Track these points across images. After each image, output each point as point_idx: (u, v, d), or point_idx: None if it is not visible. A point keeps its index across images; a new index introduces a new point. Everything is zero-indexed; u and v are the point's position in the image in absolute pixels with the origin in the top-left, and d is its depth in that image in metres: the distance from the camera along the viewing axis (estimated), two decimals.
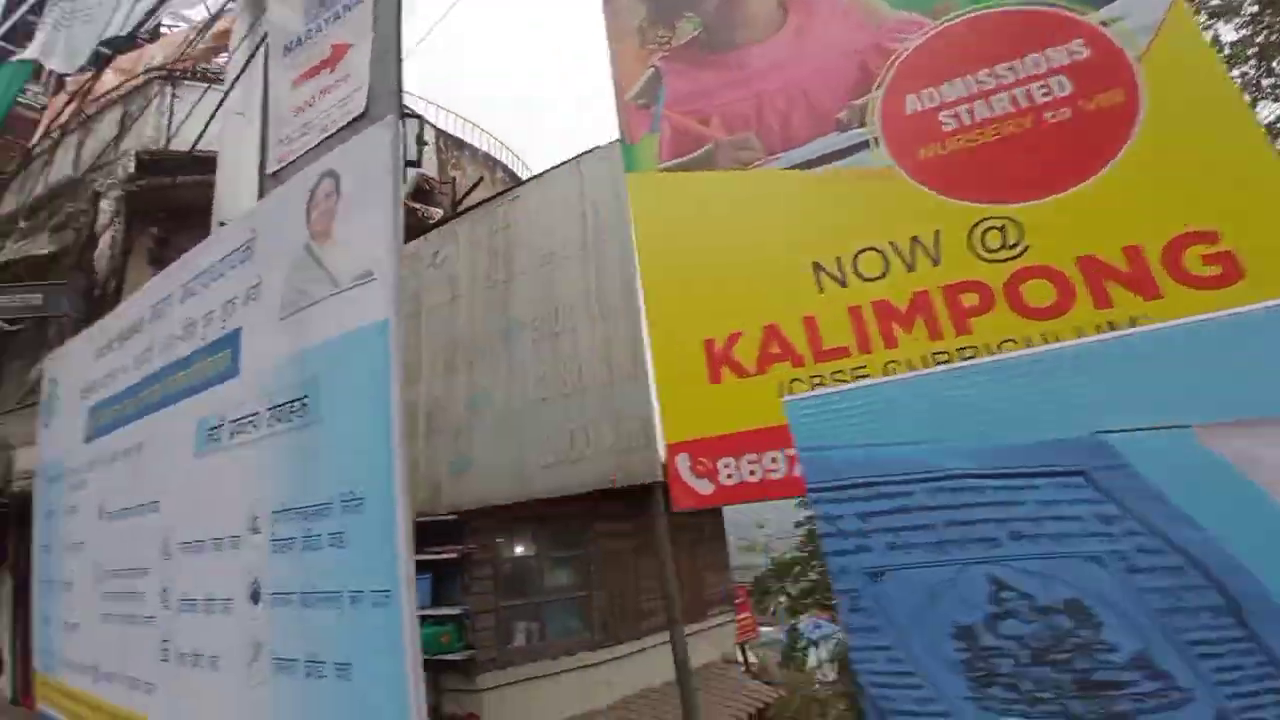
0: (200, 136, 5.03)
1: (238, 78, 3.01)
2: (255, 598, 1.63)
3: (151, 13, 6.65)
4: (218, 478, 1.83)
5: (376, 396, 1.42)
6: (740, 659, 9.80)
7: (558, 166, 3.48)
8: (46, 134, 8.35)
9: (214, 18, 5.62)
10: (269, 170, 2.03)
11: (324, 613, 1.45)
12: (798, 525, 15.41)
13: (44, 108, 9.21)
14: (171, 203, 6.92)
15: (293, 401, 1.63)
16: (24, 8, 6.88)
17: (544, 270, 3.26)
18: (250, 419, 1.75)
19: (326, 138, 1.89)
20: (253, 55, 3.00)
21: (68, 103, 7.83)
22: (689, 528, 8.38)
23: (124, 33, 7.55)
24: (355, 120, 1.82)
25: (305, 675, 1.47)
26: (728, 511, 9.46)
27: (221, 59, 7.42)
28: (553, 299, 3.19)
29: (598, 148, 3.27)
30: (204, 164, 6.67)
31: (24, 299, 3.58)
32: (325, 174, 1.72)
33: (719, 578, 9.09)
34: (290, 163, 1.96)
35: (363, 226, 1.58)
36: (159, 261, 6.88)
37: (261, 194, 2.15)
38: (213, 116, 3.55)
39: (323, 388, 1.56)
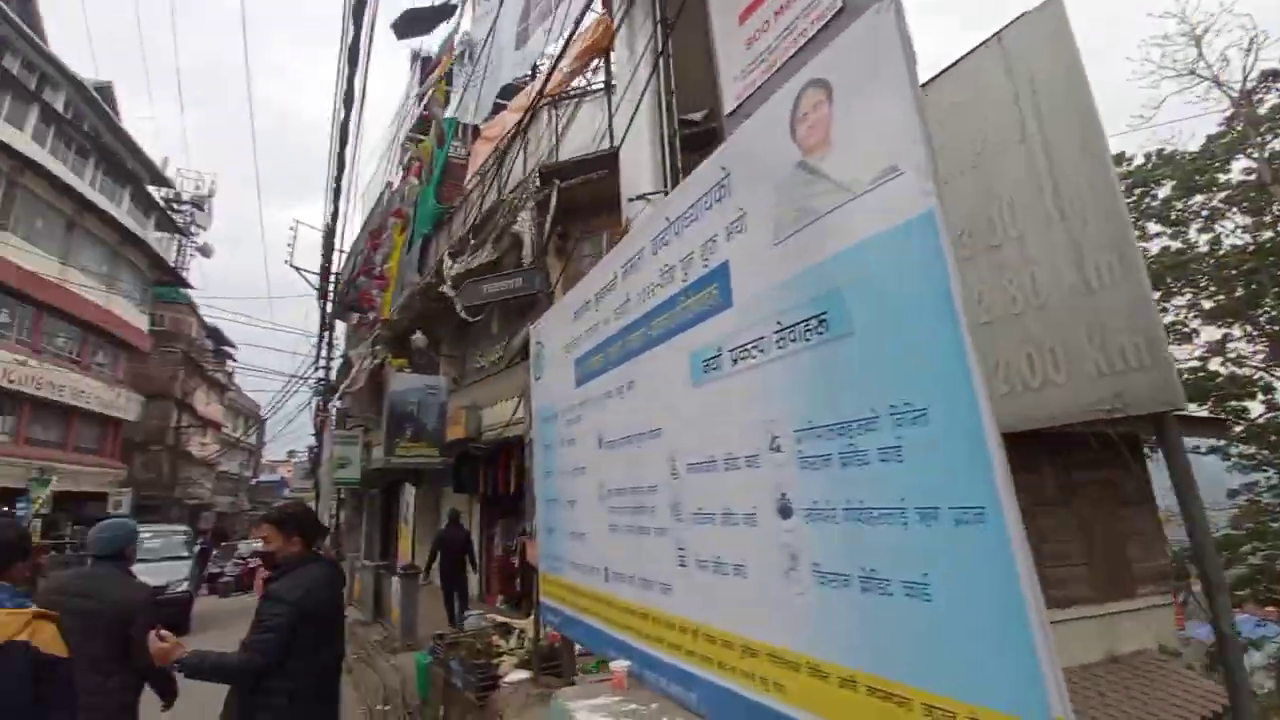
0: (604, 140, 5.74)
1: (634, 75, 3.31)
2: (785, 513, 1.67)
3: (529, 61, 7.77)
4: (723, 403, 1.95)
5: (930, 297, 1.29)
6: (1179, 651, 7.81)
7: (968, 54, 2.95)
8: (476, 173, 10.74)
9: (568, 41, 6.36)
10: (726, 111, 2.10)
11: (880, 529, 1.39)
12: (1232, 494, 11.96)
13: (469, 154, 11.86)
14: (564, 203, 8.26)
15: (807, 320, 1.61)
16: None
17: (967, 178, 2.81)
18: (754, 344, 1.81)
19: (797, 51, 1.84)
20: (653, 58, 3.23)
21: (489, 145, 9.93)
22: (1106, 483, 6.89)
23: (513, 80, 9.12)
24: (833, 19, 1.73)
25: (862, 590, 1.44)
26: None
27: (585, 76, 8.44)
28: (984, 208, 2.73)
29: (1026, 14, 2.69)
30: (587, 165, 7.86)
31: (509, 284, 4.61)
32: (810, 84, 1.65)
33: (1151, 549, 7.31)
34: (750, 95, 1.98)
35: (873, 123, 1.45)
36: (561, 252, 8.31)
37: (709, 144, 2.26)
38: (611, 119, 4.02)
39: (848, 300, 1.49)
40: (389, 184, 13.98)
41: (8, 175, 21.32)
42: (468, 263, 9.40)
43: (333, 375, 16.12)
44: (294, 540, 2.82)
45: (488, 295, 4.45)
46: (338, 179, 10.09)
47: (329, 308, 15.59)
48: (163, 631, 2.61)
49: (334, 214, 11.31)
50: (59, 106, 24.24)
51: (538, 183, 8.18)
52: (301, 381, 17.24)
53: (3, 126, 21.07)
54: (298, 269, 16.46)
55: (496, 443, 9.47)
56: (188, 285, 33.38)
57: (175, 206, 34.46)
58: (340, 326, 19.60)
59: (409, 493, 10.46)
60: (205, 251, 41.76)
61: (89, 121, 26.30)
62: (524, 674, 4.43)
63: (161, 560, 12.67)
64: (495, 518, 11.68)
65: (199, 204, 38.16)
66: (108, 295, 25.95)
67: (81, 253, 24.74)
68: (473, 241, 9.61)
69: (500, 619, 6.91)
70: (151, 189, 30.51)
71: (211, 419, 37.59)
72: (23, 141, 21.73)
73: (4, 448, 21.33)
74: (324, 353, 15.50)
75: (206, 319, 35.66)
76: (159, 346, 30.97)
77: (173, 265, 31.62)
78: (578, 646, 4.76)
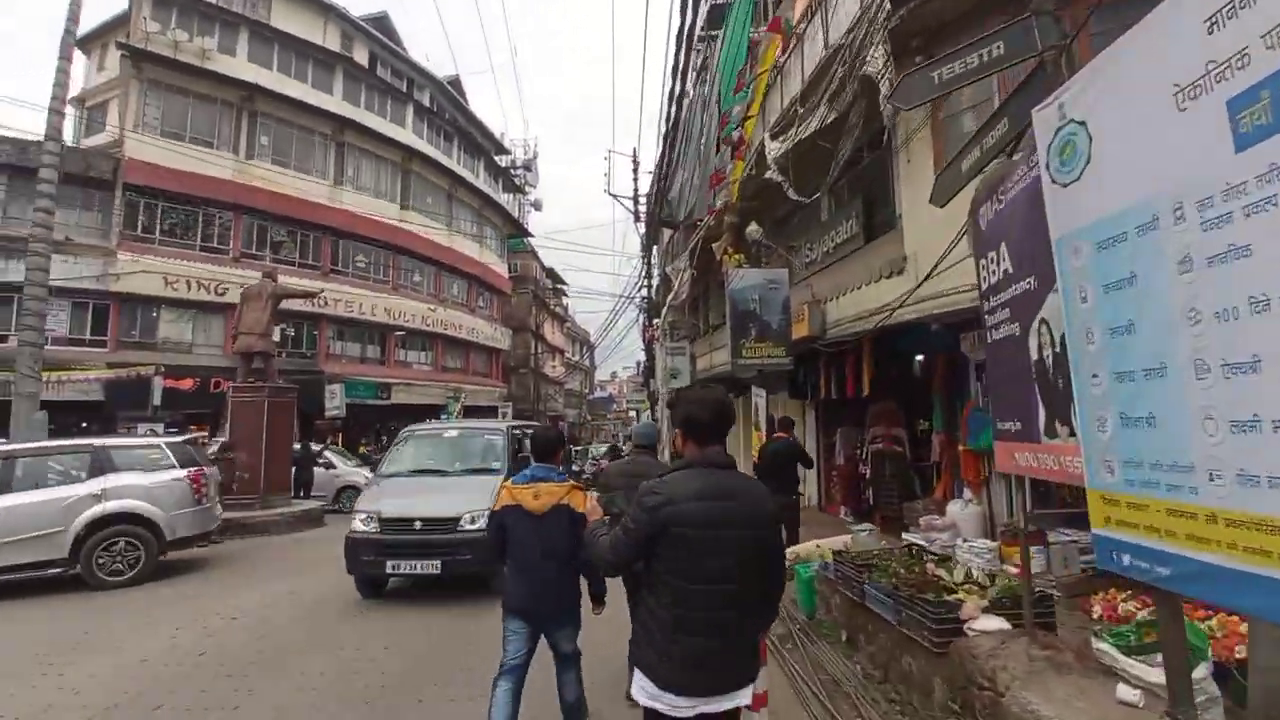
0: None
1: None
2: None
3: None
4: None
5: None
6: None
7: None
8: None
9: None
10: None
11: None
12: None
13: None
14: (927, 21, 6.18)
15: None
16: None
17: None
18: None
19: None
20: None
21: None
22: None
23: None
24: None
25: None
26: None
27: None
28: None
29: None
30: None
31: (981, 55, 3.03)
32: None
33: None
34: None
35: None
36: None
37: None
38: None
39: None
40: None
41: (402, 165, 26.82)
42: (796, 135, 7.96)
43: (654, 294, 16.69)
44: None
45: (946, 83, 2.99)
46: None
47: (644, 228, 15.84)
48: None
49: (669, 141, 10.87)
50: (425, 102, 29.42)
51: (887, 6, 6.20)
52: (627, 301, 18.24)
53: (393, 127, 26.46)
54: (614, 196, 17.14)
55: (845, 340, 8.11)
56: (529, 234, 38.81)
57: (513, 170, 39.97)
58: (655, 254, 20.21)
59: (759, 396, 9.85)
60: (537, 206, 48.39)
61: (448, 112, 31.51)
62: (999, 623, 3.15)
63: None
64: (834, 425, 10.50)
65: (528, 166, 43.89)
66: (480, 251, 31.54)
67: (459, 219, 30.26)
68: (799, 111, 8.08)
69: (911, 540, 5.76)
70: (498, 159, 35.80)
71: (557, 346, 44.22)
72: (407, 136, 27.00)
73: (428, 374, 27.97)
74: (646, 271, 16.01)
75: (545, 263, 41.39)
76: (515, 289, 36.94)
77: (517, 219, 36.99)
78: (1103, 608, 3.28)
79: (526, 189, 43.23)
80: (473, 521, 6.11)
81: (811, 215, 10.04)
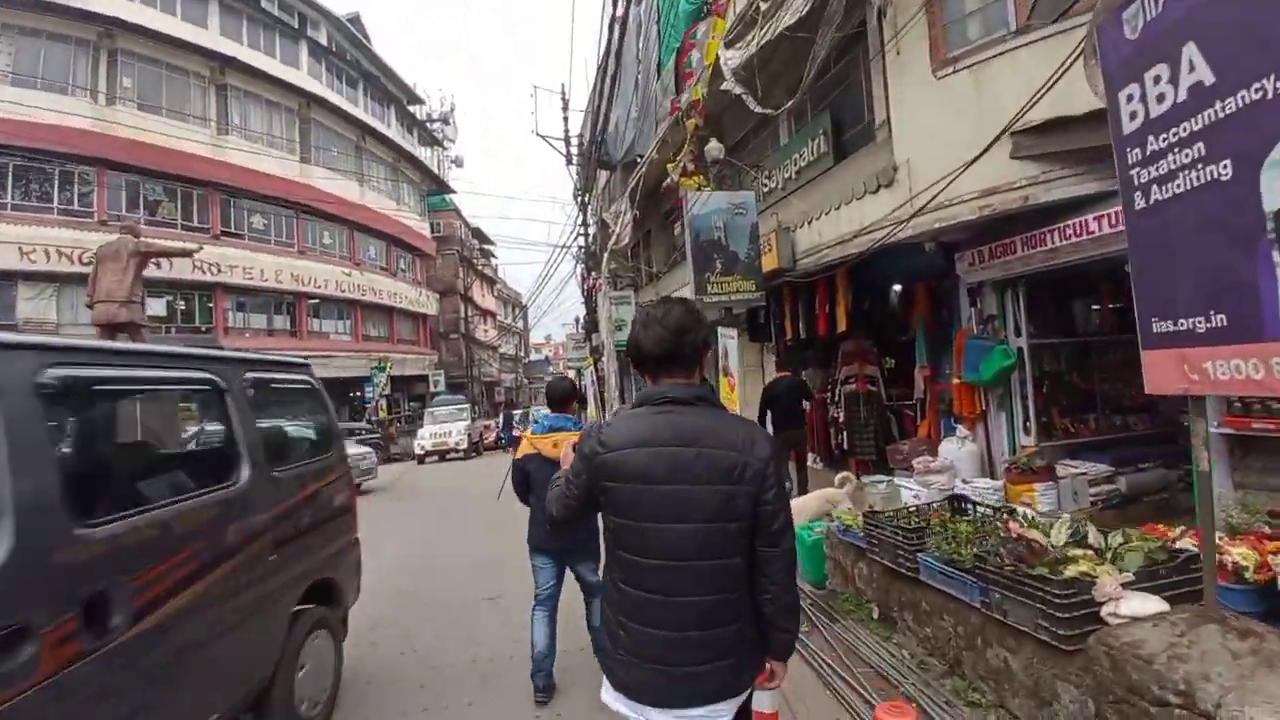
0: None
1: None
2: None
3: None
4: None
5: None
6: None
7: None
8: None
9: None
10: None
11: None
12: None
13: None
14: None
15: None
16: None
17: None
18: None
19: None
20: None
21: None
22: None
23: None
24: None
25: None
26: None
27: None
28: None
29: None
30: None
31: None
32: None
33: None
34: None
35: None
36: None
37: None
38: None
39: None
40: None
41: (300, 113, 23.59)
42: (762, 36, 6.76)
43: (592, 243, 15.28)
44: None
45: None
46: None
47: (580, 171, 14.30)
48: None
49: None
50: (322, 41, 25.94)
51: None
52: (563, 251, 16.76)
53: (285, 68, 23.13)
54: (543, 137, 15.40)
55: (817, 271, 7.16)
56: (450, 190, 35.95)
57: (430, 123, 36.71)
58: (591, 202, 18.69)
59: (728, 338, 8.82)
60: (459, 162, 45.07)
61: (350, 53, 28.02)
62: (1156, 604, 2.25)
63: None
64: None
65: (446, 119, 40.48)
66: (397, 208, 28.73)
67: (371, 174, 27.30)
68: (761, 7, 6.86)
69: (935, 489, 4.92)
70: (411, 110, 32.49)
71: (488, 309, 41.89)
72: (302, 78, 23.69)
73: (349, 344, 25.50)
74: (582, 219, 14.54)
75: (470, 220, 38.70)
76: (440, 250, 34.30)
77: (437, 175, 34.05)
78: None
79: (446, 144, 40.07)
80: None
81: (769, 140, 8.93)
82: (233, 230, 21.28)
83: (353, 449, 13.76)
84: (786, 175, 8.11)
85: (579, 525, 1.67)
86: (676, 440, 1.45)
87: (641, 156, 11.59)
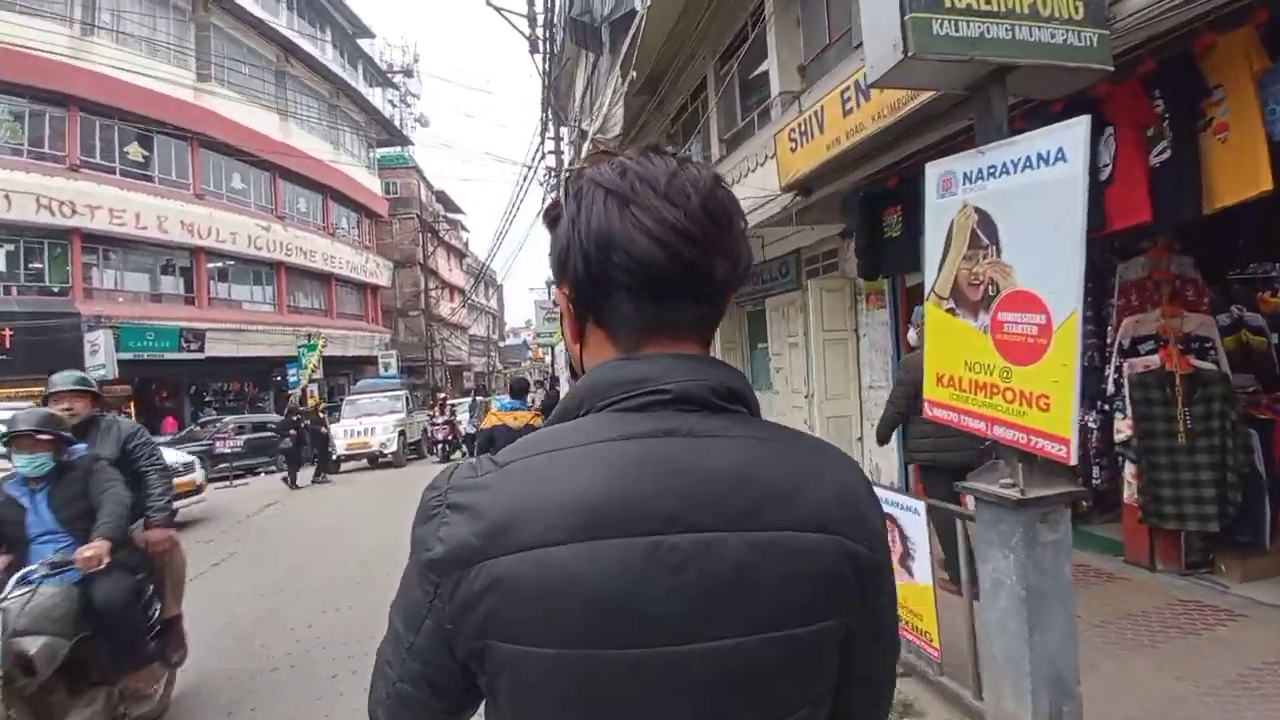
0: None
1: None
2: None
3: None
4: None
5: None
6: None
7: None
8: None
9: None
10: None
11: None
12: None
13: None
14: None
15: None
16: None
17: None
18: None
19: None
20: None
21: None
22: None
23: None
24: None
25: None
26: None
27: None
28: None
29: None
30: None
31: None
32: None
33: None
34: None
35: None
36: None
37: None
38: None
39: None
40: None
41: (193, 15, 17.92)
42: None
43: (570, 165, 10.76)
44: None
45: None
46: None
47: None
48: None
49: None
50: None
51: None
52: (530, 173, 11.90)
53: None
54: (499, 10, 10.49)
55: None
56: (408, 142, 30.39)
57: (391, 73, 31.12)
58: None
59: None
60: (423, 120, 39.39)
61: None
62: None
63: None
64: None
65: (409, 71, 34.80)
66: (335, 153, 23.20)
67: (298, 107, 21.74)
68: None
69: None
70: (361, 43, 26.84)
71: (455, 284, 36.50)
72: None
73: (269, 316, 20.08)
74: (553, 130, 10.02)
75: (435, 183, 33.20)
76: (396, 213, 28.83)
77: (391, 122, 28.48)
78: None
79: (409, 99, 34.49)
80: None
81: None
82: (95, 160, 15.73)
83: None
84: None
85: None
86: (697, 509, 0.47)
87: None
